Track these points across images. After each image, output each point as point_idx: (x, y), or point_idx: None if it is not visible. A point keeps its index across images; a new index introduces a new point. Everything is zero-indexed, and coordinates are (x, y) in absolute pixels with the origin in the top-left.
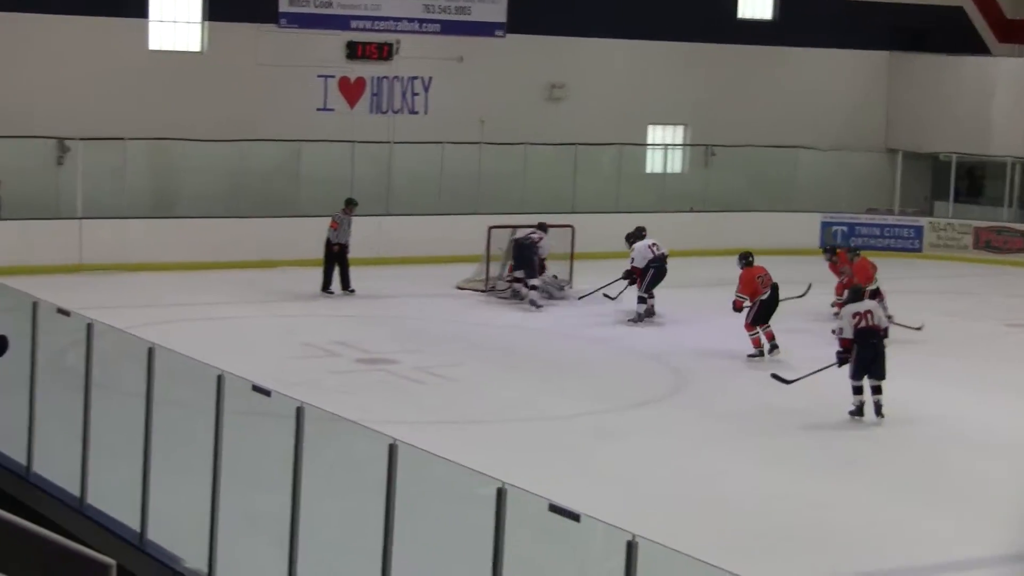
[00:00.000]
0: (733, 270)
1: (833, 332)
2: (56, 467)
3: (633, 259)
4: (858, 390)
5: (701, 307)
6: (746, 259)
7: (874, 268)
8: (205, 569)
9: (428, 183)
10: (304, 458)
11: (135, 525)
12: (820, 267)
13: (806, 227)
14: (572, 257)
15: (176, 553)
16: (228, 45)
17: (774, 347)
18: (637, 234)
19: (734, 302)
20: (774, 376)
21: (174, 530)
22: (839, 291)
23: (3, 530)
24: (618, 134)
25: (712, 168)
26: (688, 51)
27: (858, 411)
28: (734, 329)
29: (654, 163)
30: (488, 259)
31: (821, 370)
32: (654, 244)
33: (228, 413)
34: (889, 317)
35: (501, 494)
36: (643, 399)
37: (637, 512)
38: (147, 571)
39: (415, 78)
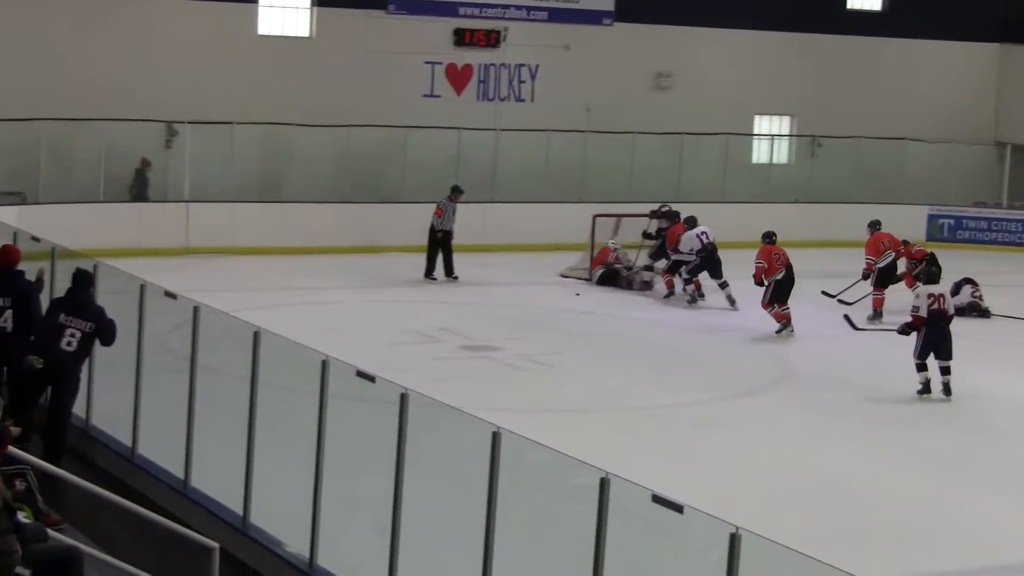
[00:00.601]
0: (841, 262)
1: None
2: (161, 450)
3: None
4: (922, 367)
5: (806, 298)
6: (769, 237)
7: (889, 244)
8: (307, 553)
9: (534, 171)
10: (407, 444)
11: (238, 508)
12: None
13: (913, 220)
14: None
15: (278, 537)
16: (337, 31)
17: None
18: (690, 222)
19: (754, 272)
20: (846, 317)
21: (277, 514)
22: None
23: (109, 511)
24: (724, 124)
25: (818, 159)
26: (796, 41)
27: (925, 388)
28: (839, 319)
29: (760, 153)
30: (592, 247)
31: (885, 330)
32: (703, 233)
33: (332, 398)
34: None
35: (604, 484)
36: (747, 389)
37: (740, 503)
38: (249, 554)
39: (522, 66)
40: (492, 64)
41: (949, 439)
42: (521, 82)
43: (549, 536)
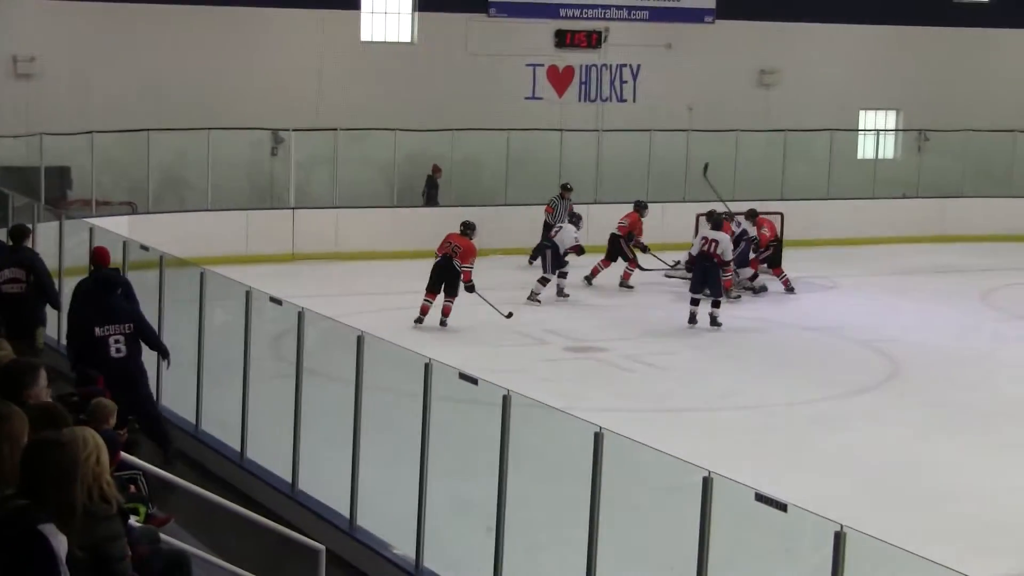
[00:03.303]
0: (948, 256)
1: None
2: (269, 453)
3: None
4: (694, 302)
5: (914, 293)
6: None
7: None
8: (413, 555)
9: (637, 171)
10: (511, 445)
11: (345, 511)
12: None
13: None
14: (782, 244)
15: (385, 539)
16: (439, 35)
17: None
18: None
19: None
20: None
21: (383, 516)
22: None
23: (219, 514)
24: (829, 120)
25: (926, 153)
26: (901, 34)
27: (691, 319)
28: (950, 316)
29: (866, 148)
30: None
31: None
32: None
33: (436, 400)
34: None
35: (707, 483)
36: (858, 387)
37: (850, 503)
38: (356, 556)
39: (624, 66)
40: (593, 65)
41: None
42: (623, 82)
43: (653, 535)
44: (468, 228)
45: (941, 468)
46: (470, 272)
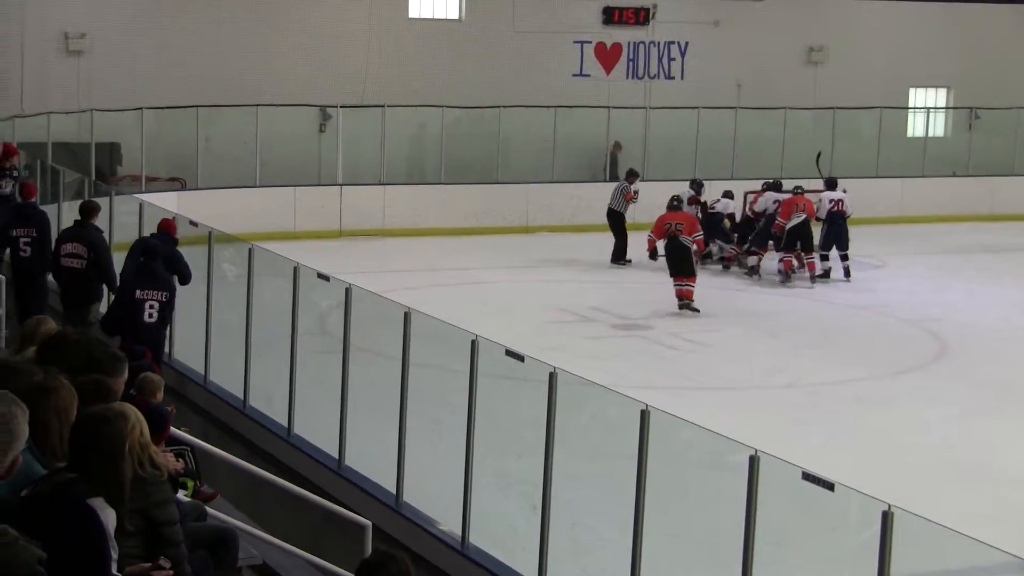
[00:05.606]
0: (998, 235)
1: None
2: (316, 429)
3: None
4: (824, 257)
5: (963, 273)
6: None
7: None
8: (459, 532)
9: (684, 148)
10: (556, 422)
11: (391, 487)
12: None
13: None
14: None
15: (431, 515)
16: (486, 12)
17: None
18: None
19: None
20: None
21: (429, 492)
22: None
23: (266, 490)
24: (878, 97)
25: (976, 131)
26: (952, 11)
27: (825, 275)
28: (998, 295)
29: (915, 127)
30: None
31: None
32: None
33: (482, 377)
34: None
35: (753, 461)
36: (905, 366)
37: (898, 482)
38: (402, 532)
39: (671, 43)
40: (641, 42)
41: None
42: (671, 59)
43: (700, 512)
44: (678, 202)
45: (987, 448)
46: (703, 240)
